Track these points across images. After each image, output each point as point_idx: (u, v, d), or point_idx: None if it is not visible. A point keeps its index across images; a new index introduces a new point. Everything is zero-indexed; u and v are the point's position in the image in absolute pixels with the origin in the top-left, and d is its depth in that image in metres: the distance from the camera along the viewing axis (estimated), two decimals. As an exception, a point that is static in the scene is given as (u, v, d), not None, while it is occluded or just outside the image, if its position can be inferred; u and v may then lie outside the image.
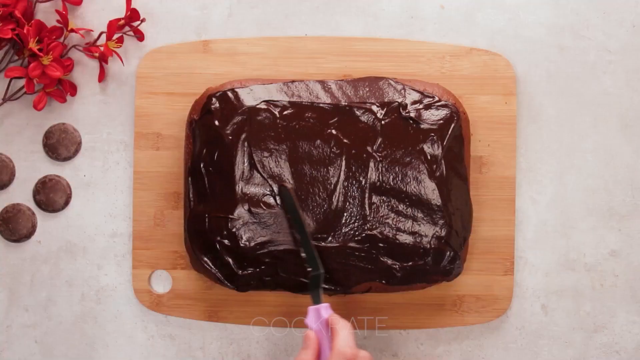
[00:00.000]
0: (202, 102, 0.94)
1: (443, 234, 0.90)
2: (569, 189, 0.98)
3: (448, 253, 0.90)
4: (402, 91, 0.93)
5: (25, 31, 0.93)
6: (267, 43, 0.97)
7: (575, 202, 0.98)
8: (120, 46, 0.97)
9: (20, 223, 0.98)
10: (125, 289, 0.99)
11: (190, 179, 0.93)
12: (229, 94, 0.93)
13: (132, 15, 0.97)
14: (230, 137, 0.91)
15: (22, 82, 0.97)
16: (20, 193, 0.99)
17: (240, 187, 0.91)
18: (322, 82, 0.94)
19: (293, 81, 0.94)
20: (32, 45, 0.93)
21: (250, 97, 0.93)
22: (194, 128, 0.93)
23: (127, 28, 0.98)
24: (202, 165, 0.92)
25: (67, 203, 0.99)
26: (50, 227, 0.99)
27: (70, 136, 0.98)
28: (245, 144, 0.91)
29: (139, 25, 0.98)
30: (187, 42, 0.98)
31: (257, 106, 0.92)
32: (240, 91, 0.93)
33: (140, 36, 0.98)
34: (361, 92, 0.93)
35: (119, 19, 0.96)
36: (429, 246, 0.90)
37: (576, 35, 0.98)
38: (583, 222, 0.98)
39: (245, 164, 0.91)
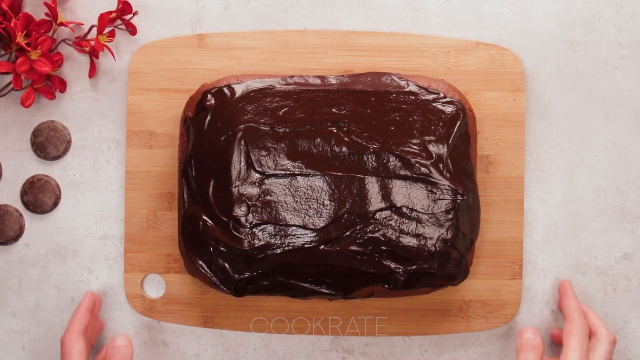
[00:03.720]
0: (197, 99, 0.91)
1: (449, 236, 0.87)
2: (580, 189, 0.96)
3: (454, 256, 0.88)
4: (406, 87, 0.90)
5: (12, 25, 0.91)
6: (264, 37, 0.95)
7: (586, 203, 0.96)
8: (112, 40, 0.95)
9: (7, 225, 0.96)
10: (116, 293, 0.96)
11: (184, 179, 0.90)
12: (225, 90, 0.90)
13: (124, 8, 0.95)
14: (226, 135, 0.88)
15: (9, 77, 0.95)
16: (7, 193, 0.97)
17: (237, 187, 0.88)
18: (322, 78, 0.91)
19: (292, 76, 0.91)
20: (20, 39, 0.91)
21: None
22: (189, 125, 0.91)
23: (118, 21, 0.96)
24: (196, 165, 0.89)
25: (56, 204, 0.96)
26: (39, 229, 0.97)
27: (59, 134, 0.96)
28: (242, 142, 0.88)
29: (131, 18, 0.96)
30: (181, 36, 0.95)
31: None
32: (236, 87, 0.90)
33: (132, 30, 0.96)
34: (363, 88, 0.90)
35: (111, 12, 0.95)
36: (433, 249, 0.87)
37: (587, 29, 0.96)
38: (594, 223, 0.96)
39: (242, 164, 0.88)
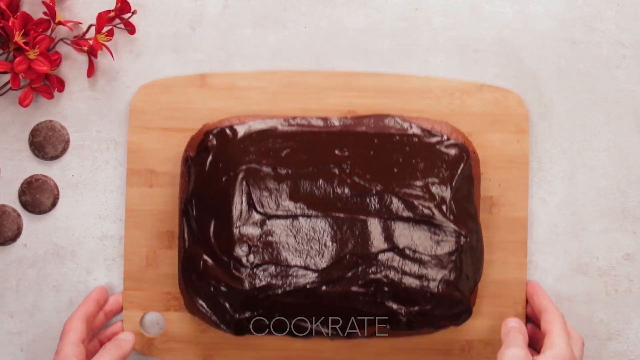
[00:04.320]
0: (199, 139, 0.91)
1: (452, 278, 0.87)
2: (581, 190, 0.95)
3: (457, 297, 0.87)
4: (409, 129, 0.90)
5: (10, 24, 0.90)
6: (267, 77, 0.94)
7: (588, 203, 0.95)
8: (110, 39, 0.95)
9: (5, 225, 0.95)
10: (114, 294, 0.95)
11: (184, 218, 0.89)
12: (227, 130, 0.90)
13: (123, 7, 0.94)
14: (227, 176, 0.88)
15: (7, 77, 0.95)
16: (5, 194, 0.96)
17: (238, 228, 0.87)
18: (325, 119, 0.91)
19: (294, 118, 0.91)
20: (18, 38, 0.91)
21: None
22: (190, 165, 0.90)
23: (117, 20, 0.95)
24: (197, 205, 0.89)
25: (54, 204, 0.96)
26: (37, 230, 0.96)
27: (57, 134, 0.95)
28: (244, 183, 0.88)
29: (130, 17, 0.95)
30: (182, 75, 0.94)
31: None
32: (238, 128, 0.90)
33: (131, 29, 0.96)
34: (366, 130, 0.90)
35: (109, 11, 0.94)
36: (436, 290, 0.86)
37: (588, 29, 0.96)
38: (596, 224, 0.95)
39: (244, 204, 0.88)
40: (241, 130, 0.90)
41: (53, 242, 0.96)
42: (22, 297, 0.96)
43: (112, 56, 0.95)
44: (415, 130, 0.90)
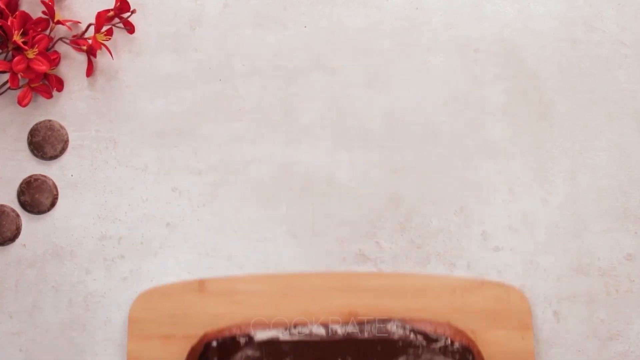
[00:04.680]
0: (199, 350, 0.90)
1: None
2: (582, 189, 0.95)
3: None
4: (412, 336, 0.89)
5: (9, 23, 0.90)
6: (265, 281, 0.93)
7: (589, 203, 0.95)
8: (110, 39, 0.95)
9: (4, 225, 0.95)
10: (114, 294, 0.95)
11: None
12: (228, 342, 0.89)
13: (122, 6, 0.94)
14: None
15: (6, 76, 0.94)
16: (4, 194, 0.96)
17: None
18: (327, 327, 0.90)
19: (296, 326, 0.90)
20: (17, 37, 0.91)
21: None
22: None
23: (116, 20, 0.95)
24: None
25: (53, 204, 0.95)
26: (36, 230, 0.96)
27: (56, 134, 0.95)
28: None
29: (129, 17, 0.95)
30: (181, 282, 0.94)
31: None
32: (240, 339, 0.89)
33: (130, 28, 0.96)
34: (368, 337, 0.89)
35: (108, 10, 0.94)
36: None
37: (589, 28, 0.95)
38: (597, 224, 0.95)
39: None
40: (242, 341, 0.89)
41: (52, 242, 0.96)
42: (22, 297, 0.96)
43: (112, 56, 0.95)
44: (418, 335, 0.89)
